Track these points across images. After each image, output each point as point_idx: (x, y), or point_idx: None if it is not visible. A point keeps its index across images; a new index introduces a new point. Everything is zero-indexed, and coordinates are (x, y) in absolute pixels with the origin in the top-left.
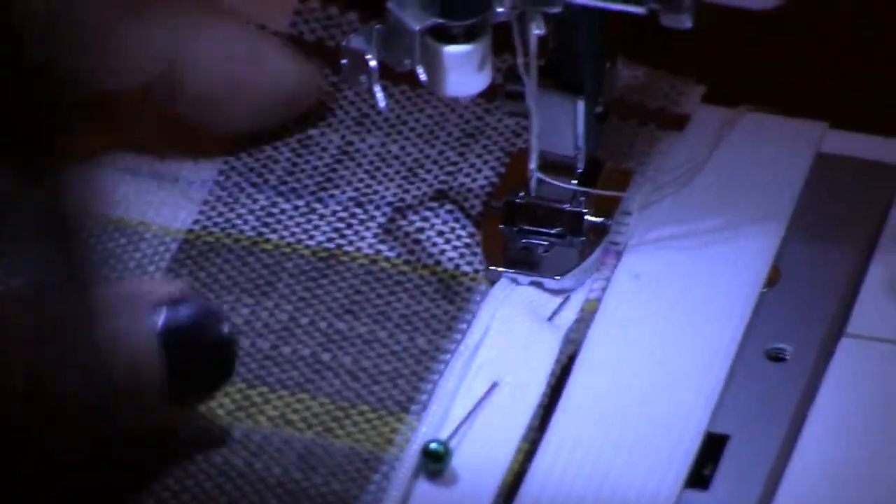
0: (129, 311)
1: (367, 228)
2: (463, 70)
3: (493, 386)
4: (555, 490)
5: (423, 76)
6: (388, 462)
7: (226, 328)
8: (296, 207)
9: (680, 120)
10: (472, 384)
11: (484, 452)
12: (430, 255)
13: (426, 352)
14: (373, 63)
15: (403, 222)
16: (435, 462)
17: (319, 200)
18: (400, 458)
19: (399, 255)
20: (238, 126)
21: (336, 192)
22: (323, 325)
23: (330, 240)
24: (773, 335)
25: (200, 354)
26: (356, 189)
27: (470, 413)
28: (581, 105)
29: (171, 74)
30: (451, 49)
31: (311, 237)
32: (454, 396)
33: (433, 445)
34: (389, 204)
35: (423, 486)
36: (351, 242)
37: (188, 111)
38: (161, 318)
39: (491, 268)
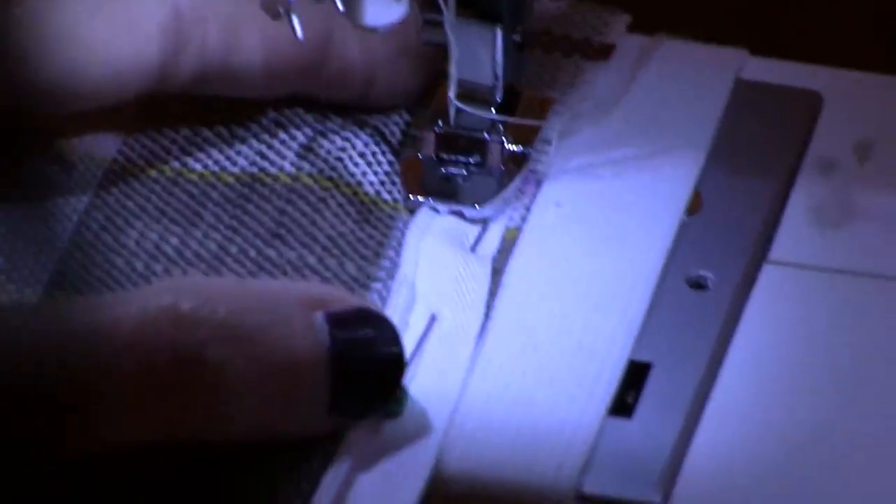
0: (299, 317)
1: (289, 148)
2: None
3: (433, 319)
4: (479, 419)
5: (340, 5)
6: None
7: (395, 346)
8: (218, 134)
9: (605, 49)
10: (411, 319)
11: (432, 387)
12: (352, 176)
13: (356, 279)
14: None
15: (325, 142)
16: (395, 404)
17: (241, 125)
18: None
19: (321, 172)
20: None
21: (258, 115)
22: (252, 252)
23: (252, 163)
24: (694, 263)
25: (366, 369)
26: (278, 110)
27: (416, 350)
28: (499, 33)
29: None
30: None
31: (234, 163)
32: (402, 333)
33: None
34: (311, 126)
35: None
36: (273, 163)
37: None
38: (328, 327)
39: (411, 196)
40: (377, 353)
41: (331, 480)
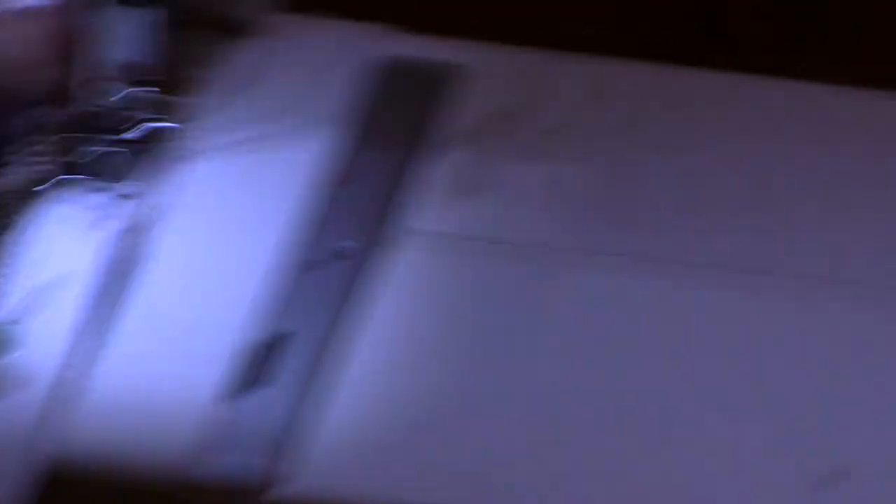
0: None
1: None
2: None
3: (38, 291)
4: (106, 396)
5: None
6: None
7: None
8: None
9: (241, 26)
10: (26, 280)
11: (42, 346)
12: None
13: None
14: None
15: None
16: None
17: None
18: None
19: None
20: None
21: None
22: None
23: None
24: (337, 234)
25: None
26: None
27: (23, 313)
28: (147, 12)
29: None
30: None
31: None
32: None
33: None
34: None
35: None
36: None
37: None
38: None
39: (61, 176)
40: None
41: None
